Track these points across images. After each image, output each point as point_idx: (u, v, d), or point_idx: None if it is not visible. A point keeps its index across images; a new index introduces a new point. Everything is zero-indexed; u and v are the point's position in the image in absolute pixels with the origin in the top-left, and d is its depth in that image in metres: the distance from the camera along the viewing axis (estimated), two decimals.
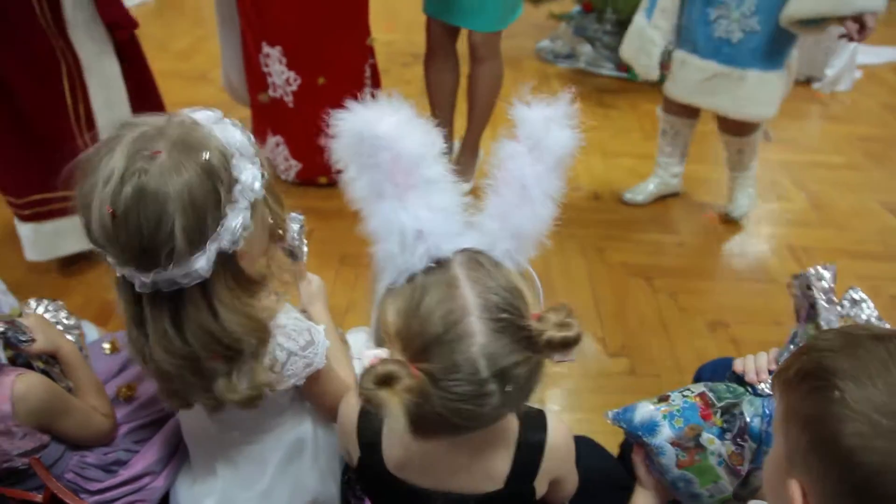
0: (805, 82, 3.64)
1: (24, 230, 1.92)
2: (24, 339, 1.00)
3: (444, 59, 2.44)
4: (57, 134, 1.81)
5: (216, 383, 0.87)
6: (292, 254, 1.15)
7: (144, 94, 2.00)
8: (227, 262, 0.81)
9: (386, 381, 0.62)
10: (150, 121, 0.79)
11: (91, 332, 1.24)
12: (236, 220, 0.78)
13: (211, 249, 0.77)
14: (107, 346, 1.21)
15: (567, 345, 0.67)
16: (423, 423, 0.66)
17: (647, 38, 2.18)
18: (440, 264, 0.71)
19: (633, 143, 3.05)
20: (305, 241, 1.16)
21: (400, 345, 0.69)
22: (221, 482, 1.03)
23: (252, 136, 0.84)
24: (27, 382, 0.94)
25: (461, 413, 0.67)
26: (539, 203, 0.73)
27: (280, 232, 0.92)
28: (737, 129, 2.24)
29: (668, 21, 2.14)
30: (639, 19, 2.24)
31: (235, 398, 0.87)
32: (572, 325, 0.67)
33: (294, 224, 1.12)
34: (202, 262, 0.76)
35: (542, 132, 0.72)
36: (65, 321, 1.15)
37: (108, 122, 1.82)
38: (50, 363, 1.05)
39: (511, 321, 0.68)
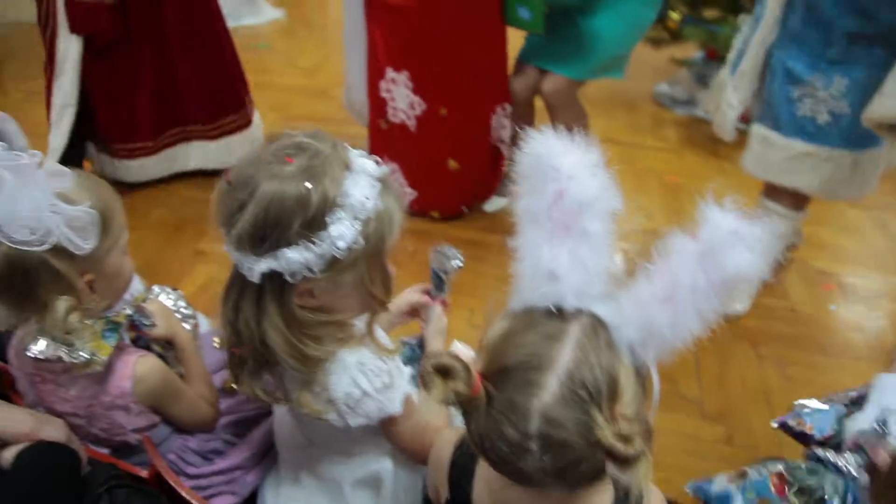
0: None
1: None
2: (147, 323, 1.06)
3: (526, 113, 2.45)
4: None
5: (243, 373, 0.91)
6: (440, 283, 1.20)
7: (220, 72, 2.56)
8: (280, 288, 0.82)
9: (443, 372, 0.65)
10: (326, 141, 0.83)
11: (204, 323, 1.31)
12: (298, 255, 0.78)
13: (264, 263, 0.79)
14: (217, 339, 1.27)
15: (613, 456, 0.61)
16: (471, 438, 0.70)
17: (725, 99, 2.02)
18: (563, 314, 0.69)
19: (749, 197, 2.91)
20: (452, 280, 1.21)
21: (484, 358, 0.70)
22: (306, 491, 1.05)
23: (389, 207, 0.83)
24: (148, 364, 1.00)
25: (496, 451, 0.67)
26: (683, 312, 0.66)
27: (379, 308, 0.91)
28: (791, 201, 1.99)
29: (747, 84, 1.95)
30: (723, 73, 2.09)
31: (257, 394, 0.91)
32: (633, 443, 0.60)
33: (454, 262, 1.18)
34: (258, 267, 0.79)
35: (724, 244, 0.63)
36: (183, 310, 1.21)
37: (57, 101, 2.33)
38: (166, 348, 1.11)
39: (584, 402, 0.64)
